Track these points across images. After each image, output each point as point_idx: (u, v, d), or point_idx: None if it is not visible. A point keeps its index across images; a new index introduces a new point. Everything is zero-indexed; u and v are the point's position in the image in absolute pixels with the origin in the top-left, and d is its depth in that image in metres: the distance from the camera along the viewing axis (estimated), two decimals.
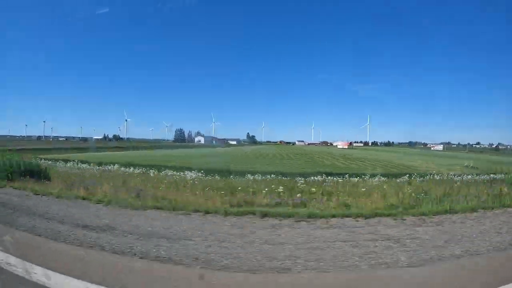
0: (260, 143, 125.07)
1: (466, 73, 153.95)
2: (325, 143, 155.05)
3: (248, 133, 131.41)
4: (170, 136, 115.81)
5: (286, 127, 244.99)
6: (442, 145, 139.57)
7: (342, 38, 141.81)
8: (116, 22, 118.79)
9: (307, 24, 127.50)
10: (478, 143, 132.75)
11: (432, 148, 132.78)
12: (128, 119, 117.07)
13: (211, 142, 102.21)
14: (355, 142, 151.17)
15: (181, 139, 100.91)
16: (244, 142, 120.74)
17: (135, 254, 4.40)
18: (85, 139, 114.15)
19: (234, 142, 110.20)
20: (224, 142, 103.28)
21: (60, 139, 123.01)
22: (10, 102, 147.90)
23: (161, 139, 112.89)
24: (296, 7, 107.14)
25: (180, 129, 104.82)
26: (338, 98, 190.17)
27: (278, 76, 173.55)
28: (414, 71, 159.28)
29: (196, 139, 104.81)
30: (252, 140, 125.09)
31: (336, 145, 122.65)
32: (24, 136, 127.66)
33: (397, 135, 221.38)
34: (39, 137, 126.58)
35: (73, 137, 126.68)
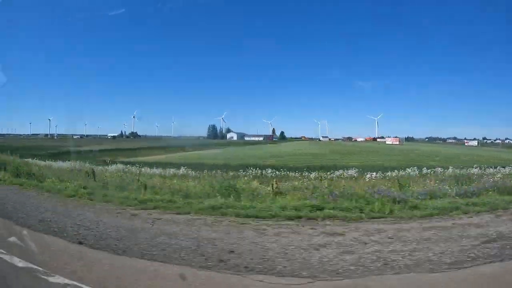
0: (285, 139, 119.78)
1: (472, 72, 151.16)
2: (349, 138, 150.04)
3: (274, 129, 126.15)
4: (176, 132, 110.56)
5: (292, 122, 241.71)
6: (476, 141, 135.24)
7: (349, 36, 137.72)
8: (117, 22, 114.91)
9: (308, 23, 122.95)
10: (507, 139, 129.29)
11: (466, 144, 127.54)
12: (135, 116, 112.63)
13: (242, 138, 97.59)
14: (379, 137, 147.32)
15: (214, 135, 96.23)
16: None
17: None
18: (114, 137, 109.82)
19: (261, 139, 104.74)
20: (271, 139, 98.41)
21: (75, 137, 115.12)
22: (15, 101, 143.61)
23: (192, 136, 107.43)
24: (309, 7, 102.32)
25: (213, 125, 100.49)
26: (346, 95, 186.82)
27: (281, 74, 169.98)
28: (419, 69, 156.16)
29: (228, 135, 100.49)
30: (281, 136, 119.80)
31: (385, 141, 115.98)
32: (29, 134, 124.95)
33: (400, 131, 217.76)
34: (46, 135, 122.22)
35: (87, 135, 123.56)
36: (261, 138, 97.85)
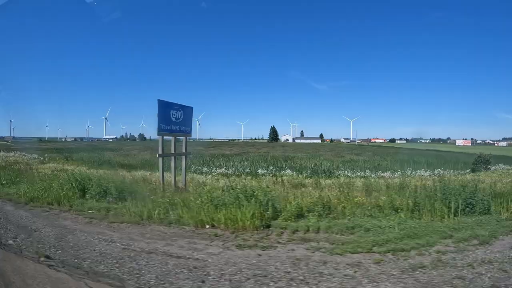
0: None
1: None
2: (366, 140, 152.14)
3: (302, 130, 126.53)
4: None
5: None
6: (505, 142, 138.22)
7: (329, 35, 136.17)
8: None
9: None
10: None
11: (495, 145, 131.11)
12: (106, 118, 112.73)
13: (293, 140, 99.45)
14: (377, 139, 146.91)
15: (275, 138, 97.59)
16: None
17: None
18: (130, 139, 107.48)
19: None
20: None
21: (68, 139, 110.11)
22: None
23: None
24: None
25: (273, 127, 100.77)
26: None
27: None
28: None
29: (283, 138, 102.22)
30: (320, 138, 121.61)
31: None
32: None
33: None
34: (14, 139, 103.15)
35: (81, 138, 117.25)
36: (316, 141, 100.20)
